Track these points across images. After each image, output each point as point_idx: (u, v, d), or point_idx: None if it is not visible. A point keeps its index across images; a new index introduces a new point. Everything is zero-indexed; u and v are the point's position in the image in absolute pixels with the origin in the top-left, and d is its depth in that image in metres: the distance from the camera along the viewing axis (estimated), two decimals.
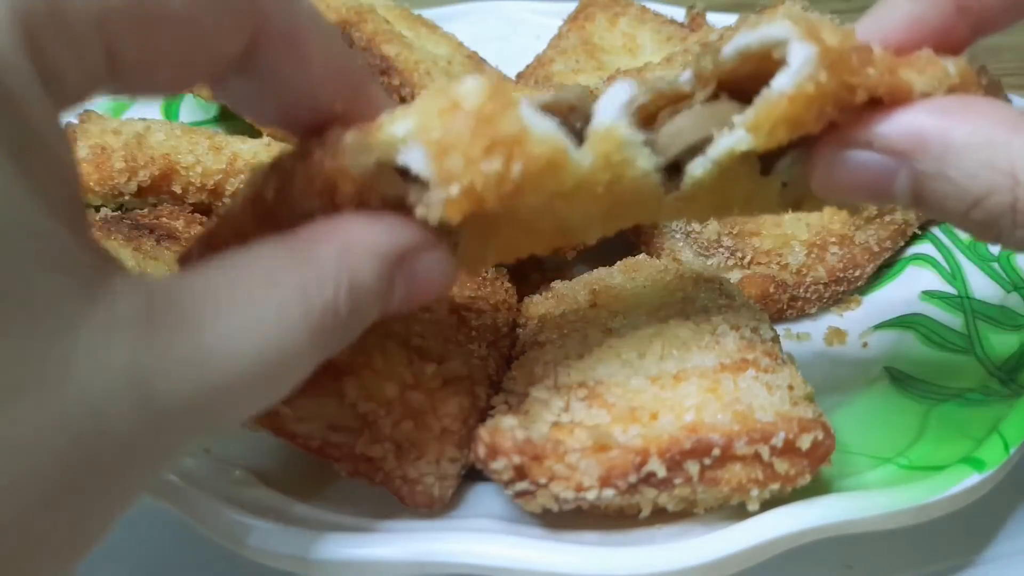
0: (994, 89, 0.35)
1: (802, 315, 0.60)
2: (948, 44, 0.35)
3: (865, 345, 0.57)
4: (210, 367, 0.27)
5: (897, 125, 0.32)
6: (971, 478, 0.40)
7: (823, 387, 0.49)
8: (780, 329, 0.58)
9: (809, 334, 0.59)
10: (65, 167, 0.27)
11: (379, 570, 0.38)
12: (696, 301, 0.46)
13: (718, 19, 0.82)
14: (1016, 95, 0.72)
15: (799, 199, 0.39)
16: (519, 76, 0.80)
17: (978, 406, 0.47)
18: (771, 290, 0.58)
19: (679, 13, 0.85)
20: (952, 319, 0.56)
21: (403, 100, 0.72)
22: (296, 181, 0.33)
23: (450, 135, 0.30)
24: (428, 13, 0.84)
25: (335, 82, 0.34)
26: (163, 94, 0.31)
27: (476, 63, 0.79)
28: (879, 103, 0.33)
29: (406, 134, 0.31)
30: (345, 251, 0.31)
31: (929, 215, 0.54)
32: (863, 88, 0.32)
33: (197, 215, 0.60)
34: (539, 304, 0.51)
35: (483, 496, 0.43)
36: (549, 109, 0.34)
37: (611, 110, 0.34)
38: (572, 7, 0.86)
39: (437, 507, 0.41)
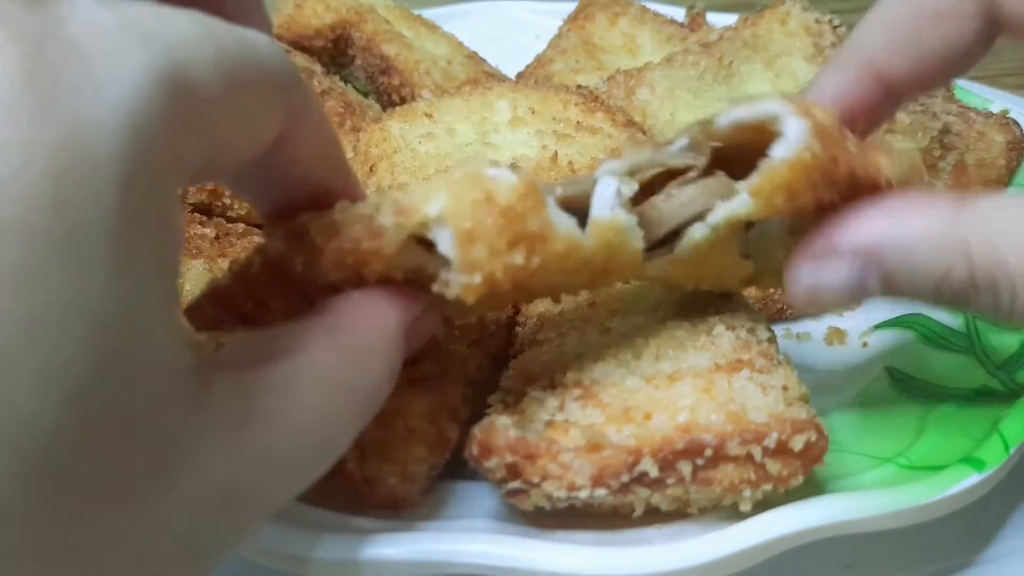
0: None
1: (802, 315, 0.60)
2: (872, 111, 0.41)
3: (865, 345, 0.57)
4: (280, 462, 0.30)
5: (860, 234, 0.36)
6: (971, 478, 0.40)
7: (823, 387, 0.49)
8: (780, 329, 0.58)
9: (809, 334, 0.58)
10: (177, 257, 0.28)
11: (378, 570, 0.37)
12: (694, 300, 0.46)
13: (718, 19, 0.82)
14: (1016, 95, 0.72)
15: (758, 276, 0.43)
16: (519, 76, 0.80)
17: (978, 406, 0.47)
18: (771, 290, 0.58)
19: (679, 13, 0.85)
20: (952, 319, 0.56)
21: (403, 100, 0.72)
22: (327, 256, 0.34)
23: (479, 227, 0.32)
24: (428, 13, 0.84)
25: (328, 157, 0.36)
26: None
27: (476, 63, 0.79)
28: (836, 211, 0.37)
29: (438, 214, 0.32)
30: (383, 342, 0.34)
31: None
32: (845, 162, 0.36)
33: (197, 215, 0.59)
34: (538, 302, 0.51)
35: (482, 496, 0.43)
36: (567, 200, 0.37)
37: (606, 203, 0.37)
38: (572, 7, 0.86)
39: (404, 508, 0.40)
